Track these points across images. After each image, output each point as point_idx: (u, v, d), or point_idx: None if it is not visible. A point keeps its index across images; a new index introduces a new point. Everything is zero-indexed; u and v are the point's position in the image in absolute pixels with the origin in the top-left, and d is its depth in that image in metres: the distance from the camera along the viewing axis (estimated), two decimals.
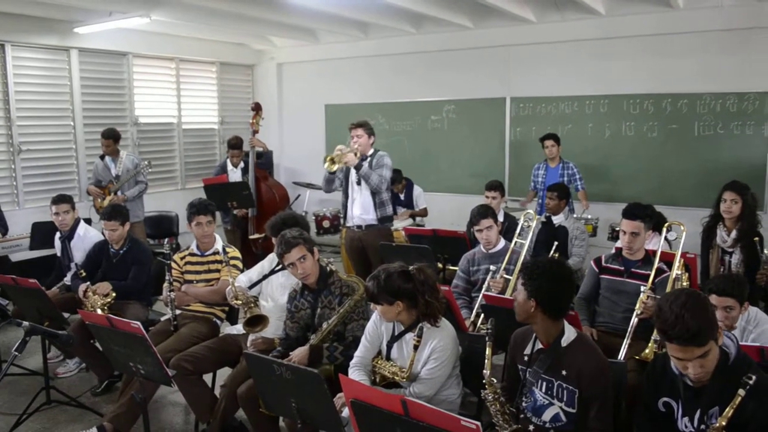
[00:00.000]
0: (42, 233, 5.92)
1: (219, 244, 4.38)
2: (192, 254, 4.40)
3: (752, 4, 6.42)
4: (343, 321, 3.36)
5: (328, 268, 3.50)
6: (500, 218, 5.46)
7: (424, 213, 7.45)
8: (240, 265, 4.29)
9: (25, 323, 3.02)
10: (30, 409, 4.09)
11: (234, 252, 4.34)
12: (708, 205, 4.84)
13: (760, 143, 6.64)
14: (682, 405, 2.33)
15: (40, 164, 7.36)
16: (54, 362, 4.99)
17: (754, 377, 2.07)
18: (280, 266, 3.85)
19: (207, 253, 4.36)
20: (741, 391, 2.07)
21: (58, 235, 5.23)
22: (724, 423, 2.09)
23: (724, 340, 2.25)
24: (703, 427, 2.25)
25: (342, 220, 5.56)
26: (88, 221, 5.99)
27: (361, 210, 5.35)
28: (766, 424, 2.14)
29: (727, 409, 2.10)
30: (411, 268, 2.98)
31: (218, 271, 4.30)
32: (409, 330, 2.97)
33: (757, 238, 4.35)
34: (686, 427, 2.32)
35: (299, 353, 3.26)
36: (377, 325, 3.12)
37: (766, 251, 4.34)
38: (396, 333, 3.05)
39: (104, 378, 4.57)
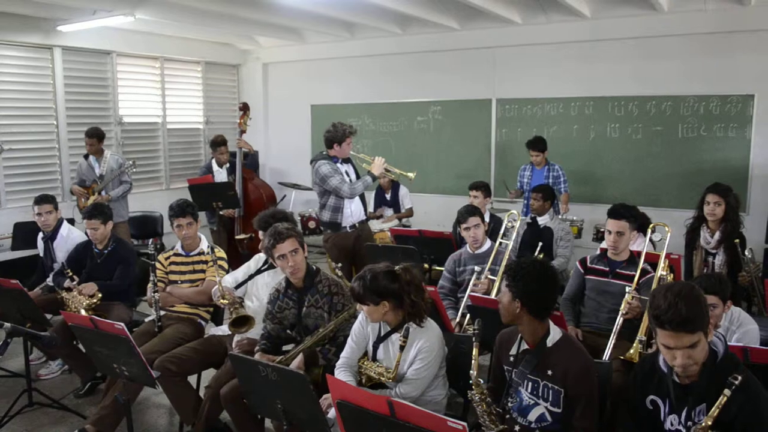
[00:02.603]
0: (24, 233, 5.86)
1: (204, 244, 4.36)
2: (176, 254, 4.37)
3: (735, 8, 6.50)
4: (339, 327, 3.34)
5: (314, 267, 3.49)
6: (486, 219, 5.47)
7: (409, 213, 7.45)
8: (225, 265, 4.26)
9: (7, 325, 2.98)
10: (12, 411, 4.04)
11: (220, 252, 4.31)
12: (691, 207, 4.88)
13: (742, 145, 6.72)
14: (669, 403, 2.35)
15: (22, 164, 7.27)
16: (36, 364, 4.93)
17: (739, 378, 2.09)
18: (267, 266, 3.84)
19: (192, 253, 4.33)
20: (726, 391, 2.09)
21: (40, 235, 5.17)
22: (710, 422, 2.11)
23: (713, 338, 2.28)
24: (690, 424, 2.27)
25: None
26: (72, 221, 5.93)
27: (356, 208, 5.41)
28: (751, 422, 2.16)
29: (713, 409, 2.12)
30: (397, 267, 2.97)
31: (203, 271, 4.27)
32: (395, 331, 2.97)
33: (737, 240, 4.40)
34: (672, 425, 2.34)
35: (295, 363, 3.22)
36: (363, 326, 3.11)
37: (747, 252, 4.39)
38: (382, 334, 3.04)
39: (87, 380, 4.53)
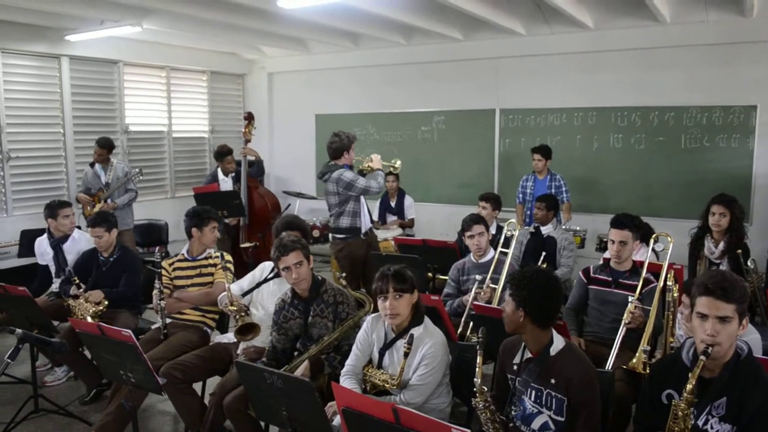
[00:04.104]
0: (30, 241, 5.89)
1: (211, 249, 4.40)
2: (181, 260, 4.39)
3: (737, 19, 6.53)
4: (345, 335, 3.37)
5: (319, 277, 3.52)
6: (493, 230, 5.49)
7: (410, 224, 7.47)
8: (232, 268, 4.30)
9: (18, 331, 3.01)
10: (18, 417, 4.06)
11: (228, 257, 4.35)
12: (694, 217, 4.90)
13: (745, 156, 6.74)
14: None
15: (29, 171, 7.34)
16: (42, 370, 4.95)
17: (712, 348, 2.21)
18: (273, 274, 3.87)
19: (198, 257, 4.36)
20: (702, 357, 2.20)
21: (46, 241, 5.19)
22: (691, 384, 2.22)
23: (738, 343, 2.35)
24: (707, 417, 2.31)
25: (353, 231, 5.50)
26: (78, 228, 5.98)
27: (366, 215, 5.52)
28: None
29: (691, 373, 2.23)
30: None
31: (210, 275, 4.29)
32: (400, 337, 3.00)
33: (740, 251, 4.42)
34: None
35: (300, 370, 3.24)
36: (368, 334, 3.14)
37: (749, 263, 4.41)
38: (388, 340, 3.07)
39: (93, 386, 4.55)
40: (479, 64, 8.14)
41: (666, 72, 7.04)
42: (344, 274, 4.07)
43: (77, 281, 4.47)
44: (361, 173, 5.49)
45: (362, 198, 5.43)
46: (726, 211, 4.54)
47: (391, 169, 5.70)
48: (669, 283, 3.56)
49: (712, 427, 2.29)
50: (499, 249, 4.52)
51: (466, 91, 8.28)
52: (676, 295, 3.62)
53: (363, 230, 5.44)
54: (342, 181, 5.29)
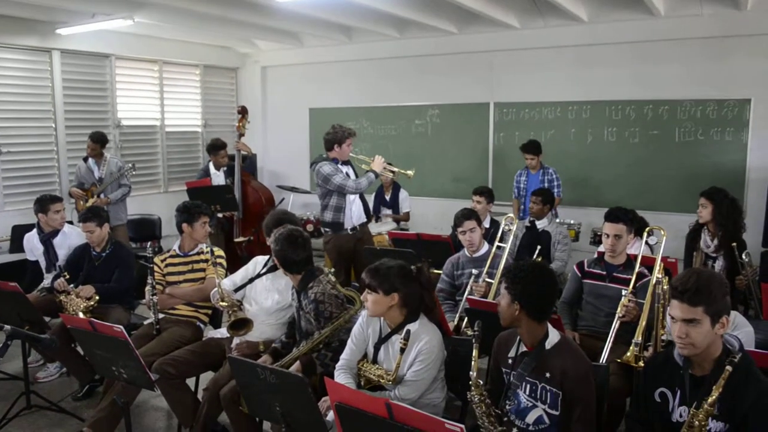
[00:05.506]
0: (22, 236, 5.86)
1: (203, 244, 4.37)
2: (173, 255, 4.37)
3: (731, 13, 6.53)
4: (334, 333, 3.35)
5: (316, 272, 3.49)
6: (486, 224, 5.48)
7: (405, 218, 7.45)
8: (224, 263, 4.28)
9: (7, 327, 2.99)
10: (10, 414, 4.04)
11: (219, 251, 4.32)
12: (688, 211, 4.93)
13: (739, 149, 6.74)
14: (680, 394, 2.37)
15: (20, 166, 7.27)
16: (34, 367, 4.93)
17: (738, 356, 2.20)
18: (266, 269, 3.85)
19: (190, 253, 4.34)
20: (728, 368, 2.17)
21: (36, 236, 5.15)
22: (713, 397, 2.19)
23: (727, 338, 2.35)
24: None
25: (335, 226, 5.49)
26: (70, 223, 5.94)
27: (357, 210, 5.47)
28: (764, 417, 2.20)
29: (715, 386, 2.19)
30: (412, 267, 3.02)
31: (202, 270, 4.28)
32: (395, 332, 2.98)
33: (734, 244, 4.43)
34: (681, 416, 2.37)
35: (293, 369, 3.22)
36: (363, 328, 3.12)
37: (744, 256, 4.41)
38: (383, 335, 3.05)
39: (85, 382, 4.53)
40: (473, 58, 8.12)
41: (660, 65, 7.03)
42: (332, 270, 4.04)
43: (67, 276, 4.44)
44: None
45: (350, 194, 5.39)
46: (706, 202, 4.61)
47: (407, 177, 5.50)
48: (659, 275, 3.56)
49: None
50: (496, 243, 4.51)
51: (460, 84, 8.26)
52: (666, 287, 3.61)
53: (347, 226, 5.41)
54: (320, 173, 5.31)
